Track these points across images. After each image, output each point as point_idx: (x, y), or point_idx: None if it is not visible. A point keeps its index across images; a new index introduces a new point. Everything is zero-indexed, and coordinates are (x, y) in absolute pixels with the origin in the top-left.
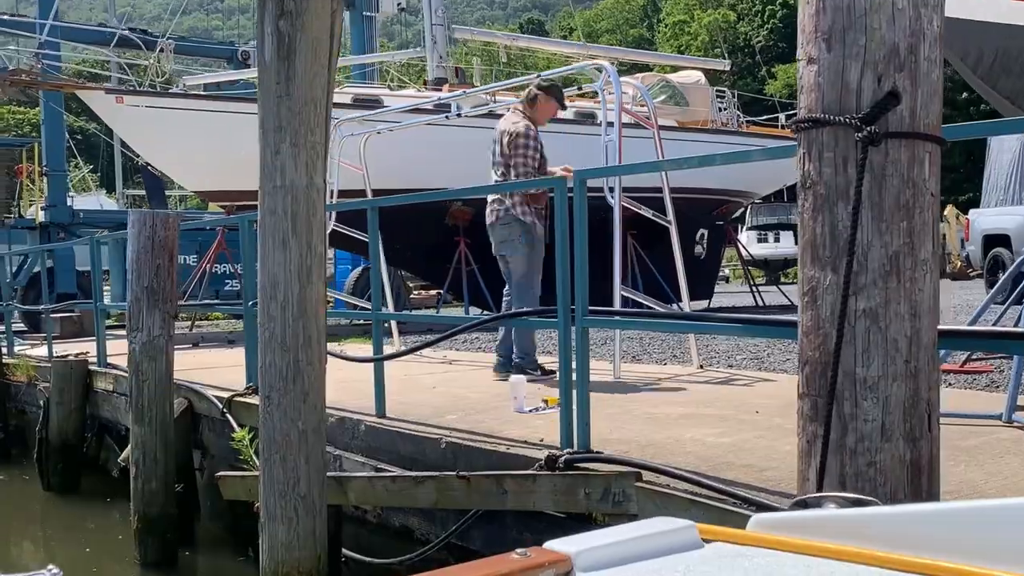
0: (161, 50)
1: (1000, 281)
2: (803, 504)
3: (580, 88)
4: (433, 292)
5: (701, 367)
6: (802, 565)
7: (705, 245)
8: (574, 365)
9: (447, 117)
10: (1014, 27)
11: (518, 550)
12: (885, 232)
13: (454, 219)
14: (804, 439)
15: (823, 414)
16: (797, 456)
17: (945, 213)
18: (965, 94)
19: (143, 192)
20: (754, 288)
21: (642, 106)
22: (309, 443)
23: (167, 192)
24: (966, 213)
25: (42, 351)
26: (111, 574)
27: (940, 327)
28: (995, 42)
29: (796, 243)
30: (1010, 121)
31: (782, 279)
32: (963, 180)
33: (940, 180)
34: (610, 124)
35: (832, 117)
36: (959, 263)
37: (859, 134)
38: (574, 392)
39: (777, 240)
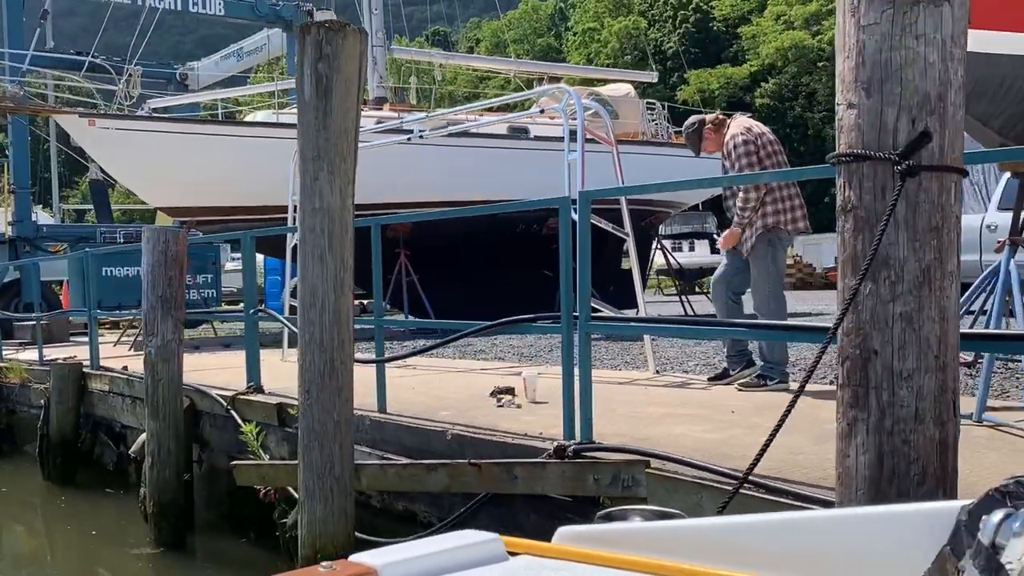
0: (129, 75)
1: (968, 291)
2: (609, 517)
3: (543, 111)
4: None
5: (657, 372)
6: None
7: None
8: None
9: (409, 139)
10: (992, 56)
11: (323, 563)
12: (919, 249)
13: (394, 231)
14: (844, 422)
15: (863, 401)
16: (837, 437)
17: None
18: None
19: (80, 207)
20: (684, 298)
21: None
22: (342, 432)
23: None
24: None
25: (30, 355)
26: (104, 557)
27: (961, 330)
28: (972, 70)
29: (711, 252)
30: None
31: (696, 288)
32: None
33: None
34: (571, 139)
35: (873, 152)
36: None
37: (898, 167)
38: (576, 388)
39: (692, 249)
